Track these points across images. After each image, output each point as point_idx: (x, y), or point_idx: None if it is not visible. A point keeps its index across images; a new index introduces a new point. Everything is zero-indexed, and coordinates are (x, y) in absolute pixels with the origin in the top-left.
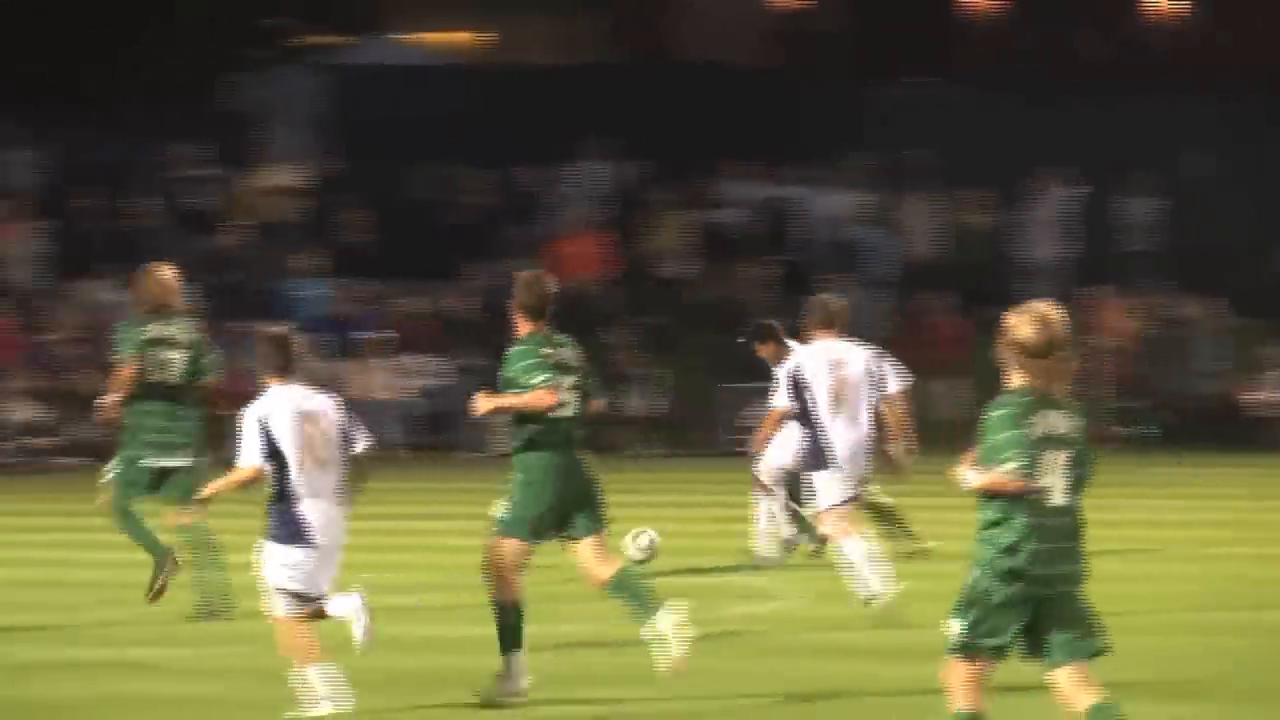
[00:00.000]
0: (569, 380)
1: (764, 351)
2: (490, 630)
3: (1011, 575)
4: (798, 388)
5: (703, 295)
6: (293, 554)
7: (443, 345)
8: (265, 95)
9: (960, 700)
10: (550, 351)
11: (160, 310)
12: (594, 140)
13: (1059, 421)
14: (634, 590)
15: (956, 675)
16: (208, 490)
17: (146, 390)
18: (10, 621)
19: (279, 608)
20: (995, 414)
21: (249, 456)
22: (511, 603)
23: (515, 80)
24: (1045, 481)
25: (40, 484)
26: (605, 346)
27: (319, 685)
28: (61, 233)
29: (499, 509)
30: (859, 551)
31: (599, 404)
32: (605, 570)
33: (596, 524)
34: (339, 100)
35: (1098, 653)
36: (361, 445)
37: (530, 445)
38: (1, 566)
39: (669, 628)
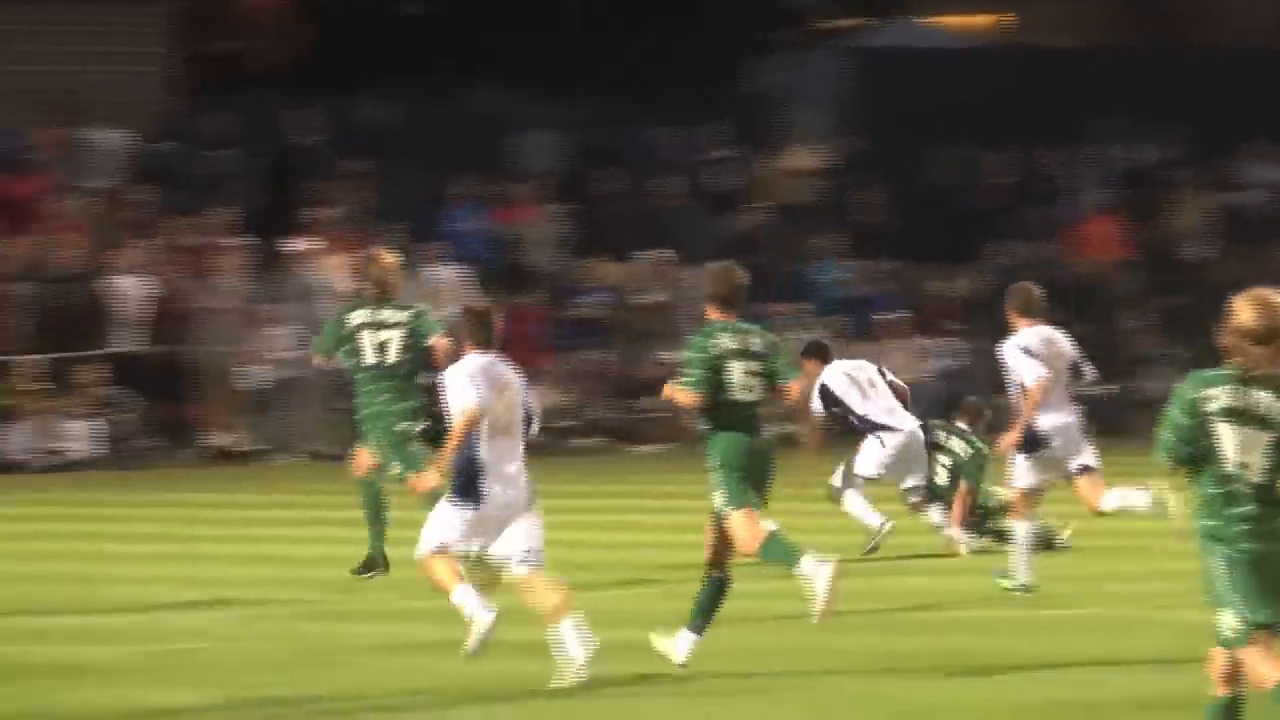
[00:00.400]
0: (750, 366)
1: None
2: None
3: (1235, 549)
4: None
5: (1224, 277)
6: (463, 512)
7: (960, 327)
8: (788, 78)
9: (1226, 687)
10: (719, 342)
11: (382, 296)
12: (1112, 122)
13: (1266, 403)
14: (780, 549)
15: (1228, 662)
16: (446, 447)
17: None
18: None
19: (430, 545)
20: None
21: (466, 397)
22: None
23: (1034, 62)
24: (1245, 459)
25: (563, 465)
26: (1123, 329)
27: (467, 604)
28: (582, 215)
29: (715, 500)
30: (1025, 537)
31: (788, 388)
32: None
33: (761, 503)
34: (861, 82)
35: None
36: (535, 429)
37: (715, 429)
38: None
39: (815, 573)
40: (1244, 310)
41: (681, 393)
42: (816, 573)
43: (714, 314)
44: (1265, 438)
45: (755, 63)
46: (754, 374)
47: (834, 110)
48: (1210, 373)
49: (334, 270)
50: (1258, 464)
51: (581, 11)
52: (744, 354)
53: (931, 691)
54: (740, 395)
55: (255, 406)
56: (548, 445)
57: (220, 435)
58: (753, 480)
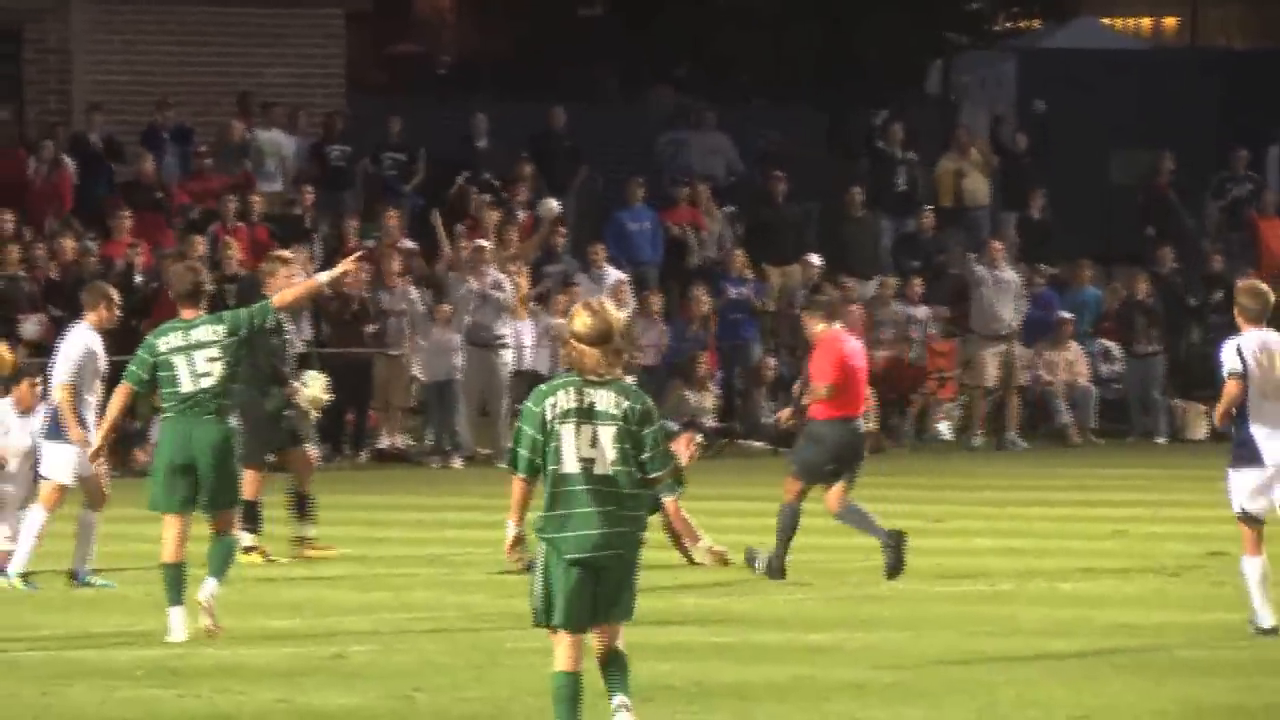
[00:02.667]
0: None
1: None
2: None
3: None
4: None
5: None
6: None
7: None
8: (965, 79)
9: None
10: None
11: None
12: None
13: None
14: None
15: None
16: None
17: None
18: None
19: None
20: None
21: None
22: None
23: (1208, 63)
24: None
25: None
26: None
27: None
28: (753, 217)
29: None
30: (1252, 573)
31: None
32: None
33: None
34: (1035, 84)
35: None
36: None
37: None
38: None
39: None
40: None
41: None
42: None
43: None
44: None
45: (933, 64)
46: None
47: (1010, 111)
48: None
49: (503, 273)
50: None
51: (758, 13)
52: None
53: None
54: None
55: (421, 408)
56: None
57: (390, 437)
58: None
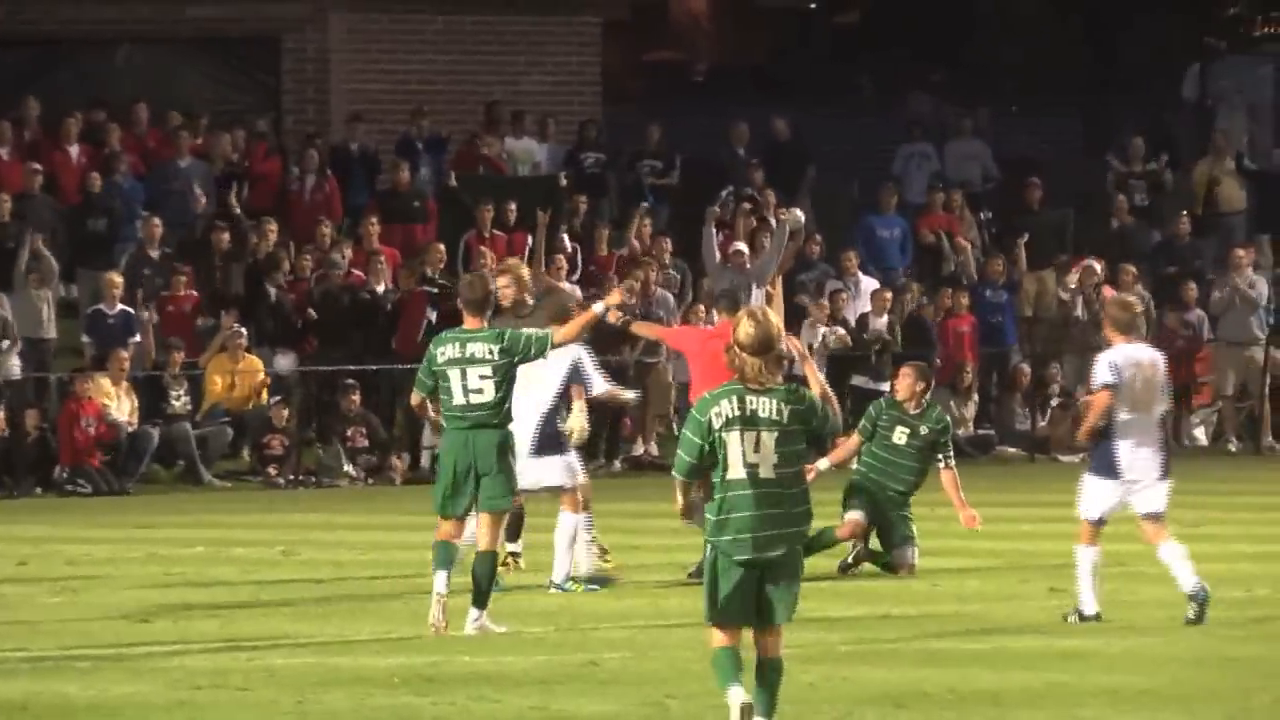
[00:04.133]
0: None
1: None
2: None
3: None
4: None
5: None
6: None
7: None
8: (1223, 84)
9: None
10: None
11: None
12: None
13: None
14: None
15: None
16: None
17: None
18: None
19: None
20: None
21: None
22: None
23: None
24: None
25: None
26: None
27: None
28: (1004, 224)
29: None
30: (1084, 562)
31: None
32: None
33: None
34: None
35: None
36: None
37: None
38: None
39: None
40: None
41: None
42: None
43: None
44: None
45: (1190, 69)
46: None
47: (1269, 117)
48: None
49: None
50: None
51: (1016, 15)
52: None
53: None
54: None
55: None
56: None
57: (644, 445)
58: None
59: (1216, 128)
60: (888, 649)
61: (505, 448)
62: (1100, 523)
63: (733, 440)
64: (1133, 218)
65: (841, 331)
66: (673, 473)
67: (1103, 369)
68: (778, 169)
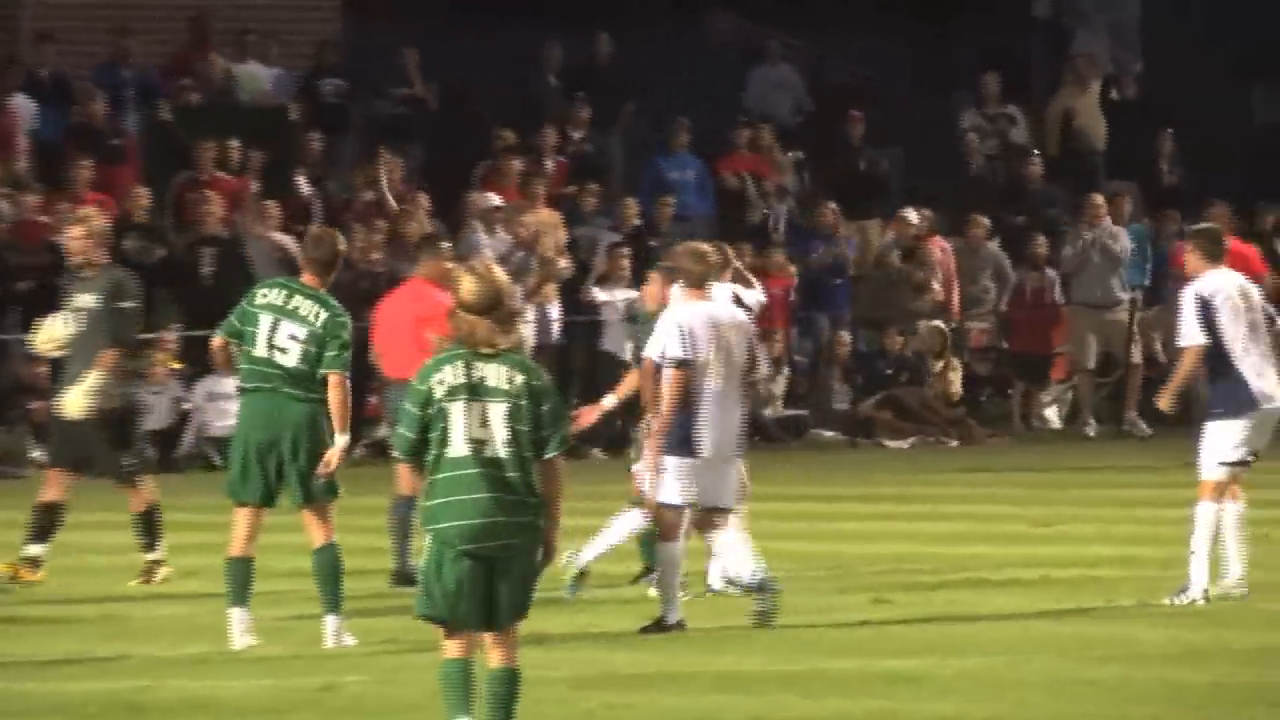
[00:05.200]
0: None
1: None
2: None
3: None
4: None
5: None
6: None
7: None
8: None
9: None
10: None
11: None
12: None
13: None
14: None
15: None
16: None
17: None
18: None
19: None
20: None
21: None
22: None
23: None
24: None
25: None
26: None
27: None
28: (822, 166)
29: None
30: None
31: None
32: None
33: None
34: (1162, 10)
35: None
36: None
37: None
38: None
39: None
40: None
41: None
42: None
43: None
44: None
45: None
46: None
47: (1130, 43)
48: None
49: (535, 230)
50: None
51: None
52: None
53: None
54: None
55: None
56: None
57: (388, 426)
58: None
59: (1074, 52)
60: (682, 671)
61: (317, 423)
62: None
63: (456, 411)
64: (976, 158)
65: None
66: (393, 453)
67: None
68: (585, 96)
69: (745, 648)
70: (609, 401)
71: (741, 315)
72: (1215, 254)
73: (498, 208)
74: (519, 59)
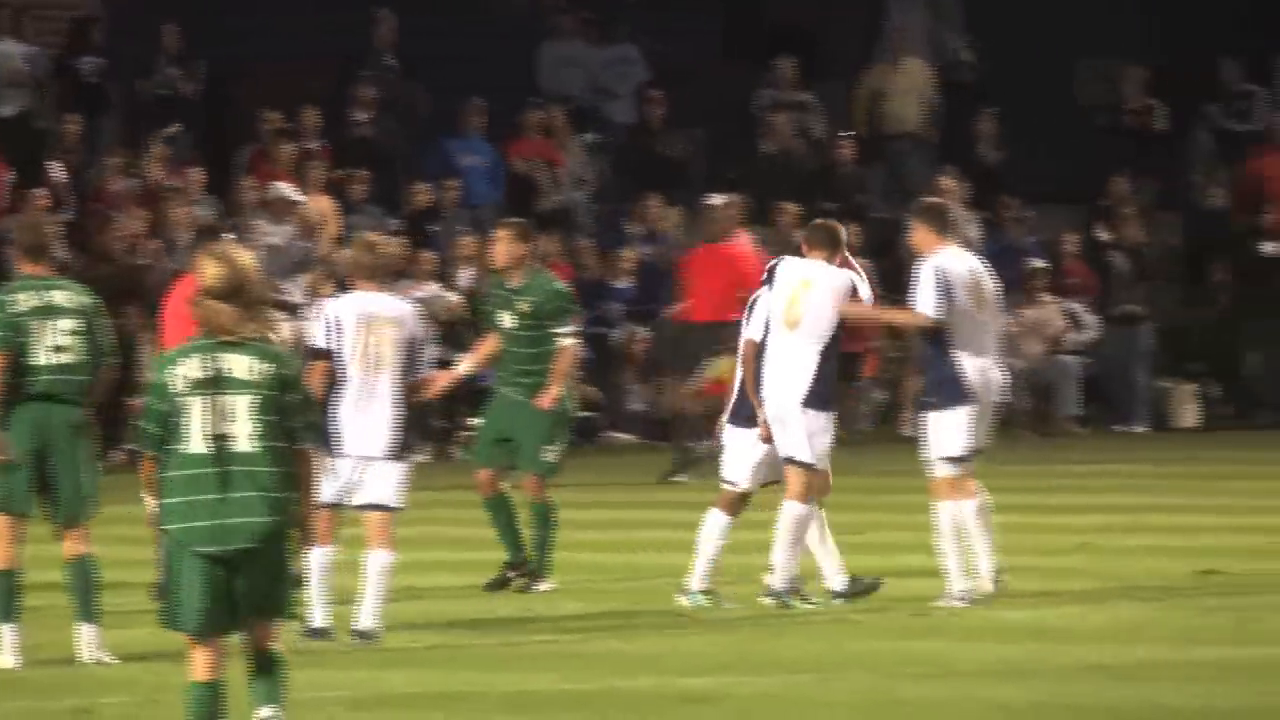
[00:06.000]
0: None
1: None
2: None
3: None
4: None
5: None
6: None
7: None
8: None
9: None
10: None
11: None
12: None
13: None
14: None
15: None
16: None
17: None
18: None
19: None
20: None
21: None
22: None
23: None
24: None
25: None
26: None
27: None
28: (613, 149)
29: None
30: None
31: None
32: None
33: None
34: None
35: None
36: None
37: None
38: None
39: None
40: None
41: None
42: None
43: None
44: None
45: None
46: None
47: (959, 11)
48: None
49: (309, 218)
50: None
51: None
52: None
53: None
54: None
55: None
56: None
57: None
58: None
59: (889, 26)
60: (465, 691)
61: (85, 430)
62: None
63: (194, 407)
64: (785, 140)
65: (454, 298)
66: (140, 449)
67: (929, 287)
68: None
69: (533, 666)
70: (463, 367)
71: (407, 312)
72: (944, 229)
73: (282, 197)
74: (292, 37)
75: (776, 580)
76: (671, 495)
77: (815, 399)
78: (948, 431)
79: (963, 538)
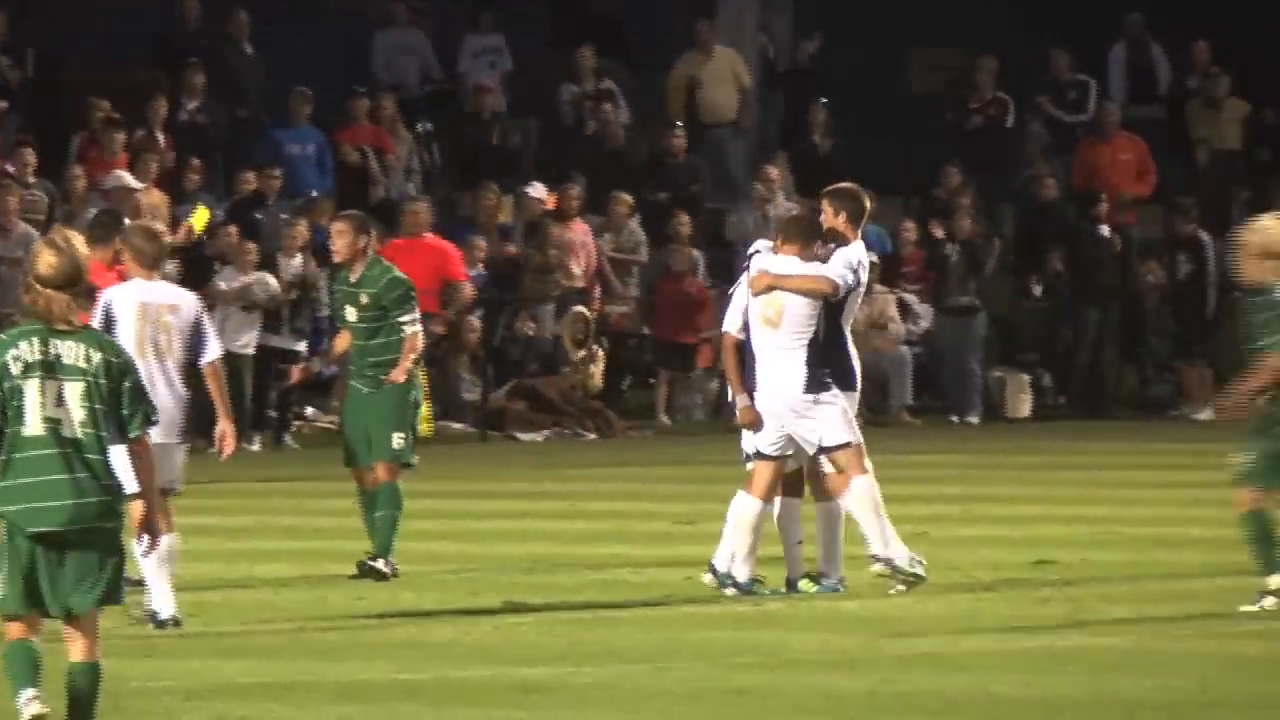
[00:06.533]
0: None
1: None
2: None
3: None
4: None
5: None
6: None
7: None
8: None
9: None
10: None
11: None
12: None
13: None
14: None
15: None
16: None
17: None
18: None
19: None
20: None
21: None
22: None
23: None
24: None
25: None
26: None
27: None
28: (446, 140)
29: None
30: None
31: None
32: None
33: None
34: None
35: None
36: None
37: None
38: None
39: None
40: None
41: None
42: None
43: None
44: None
45: None
46: None
47: (782, 7)
48: None
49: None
50: None
51: None
52: None
53: None
54: None
55: None
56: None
57: None
58: None
59: (717, 14)
60: (300, 681)
61: None
62: None
63: (31, 389)
64: (618, 129)
65: (273, 283)
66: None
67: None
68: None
69: (368, 655)
70: (317, 363)
71: (186, 299)
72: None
73: (123, 185)
74: (120, 24)
75: (883, 551)
76: (506, 486)
77: (815, 383)
78: (847, 416)
79: (879, 509)
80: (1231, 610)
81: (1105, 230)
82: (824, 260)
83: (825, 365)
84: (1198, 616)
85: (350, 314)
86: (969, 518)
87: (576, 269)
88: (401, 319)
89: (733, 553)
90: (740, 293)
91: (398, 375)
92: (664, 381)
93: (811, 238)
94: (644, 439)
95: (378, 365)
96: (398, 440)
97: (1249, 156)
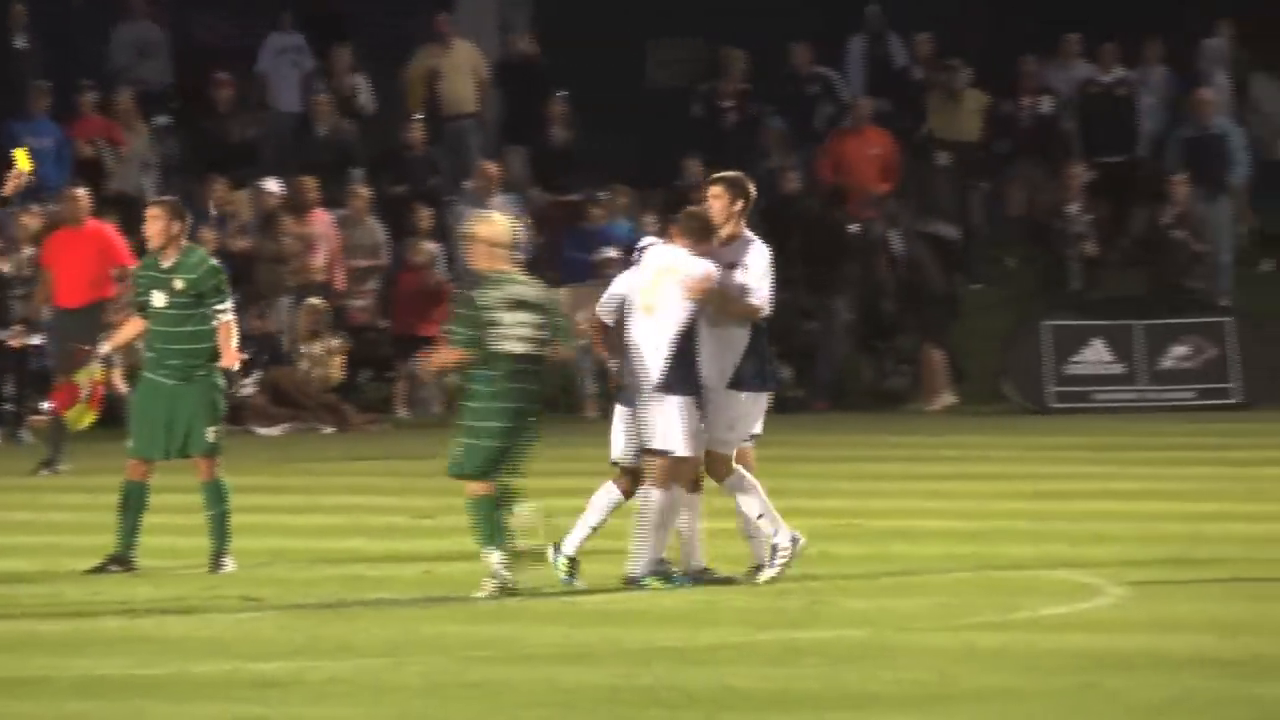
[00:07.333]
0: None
1: None
2: None
3: None
4: None
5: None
6: None
7: None
8: None
9: None
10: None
11: None
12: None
13: None
14: None
15: None
16: None
17: None
18: None
19: None
20: None
21: None
22: None
23: None
24: None
25: None
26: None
27: None
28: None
29: None
30: None
31: None
32: None
33: None
34: None
35: None
36: None
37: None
38: None
39: None
40: None
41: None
42: None
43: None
44: None
45: None
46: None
47: None
48: None
49: None
50: None
51: None
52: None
53: None
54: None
55: None
56: None
57: None
58: None
59: (457, 8)
60: (34, 676)
61: None
62: None
63: None
64: (336, 123)
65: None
66: None
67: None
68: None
69: (105, 650)
70: (104, 347)
71: None
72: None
73: None
74: None
75: (638, 567)
76: (245, 480)
77: (666, 385)
78: (685, 425)
79: (663, 528)
80: (970, 603)
81: (855, 227)
82: (713, 257)
83: (688, 365)
84: (935, 609)
85: (159, 300)
86: (706, 510)
87: (318, 262)
88: (218, 307)
89: (648, 550)
90: (621, 281)
91: (229, 360)
92: (402, 375)
93: (706, 237)
94: (382, 433)
95: (183, 355)
96: (212, 434)
97: (988, 149)
